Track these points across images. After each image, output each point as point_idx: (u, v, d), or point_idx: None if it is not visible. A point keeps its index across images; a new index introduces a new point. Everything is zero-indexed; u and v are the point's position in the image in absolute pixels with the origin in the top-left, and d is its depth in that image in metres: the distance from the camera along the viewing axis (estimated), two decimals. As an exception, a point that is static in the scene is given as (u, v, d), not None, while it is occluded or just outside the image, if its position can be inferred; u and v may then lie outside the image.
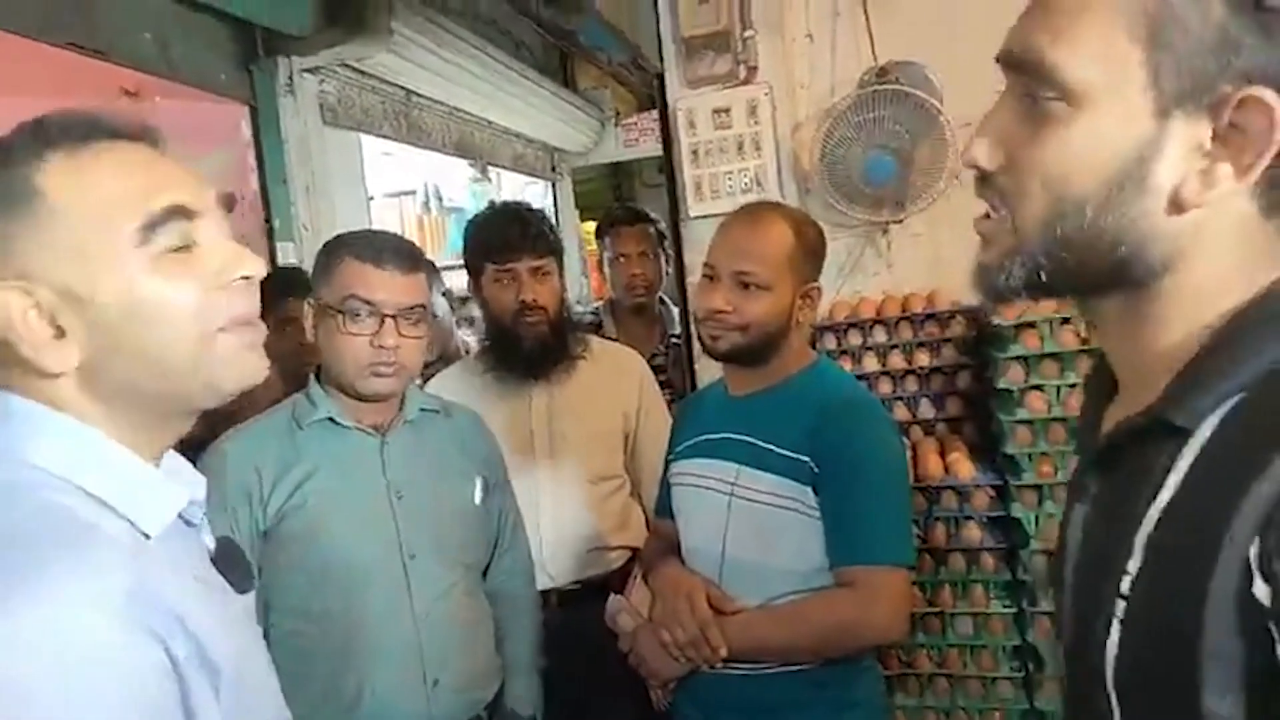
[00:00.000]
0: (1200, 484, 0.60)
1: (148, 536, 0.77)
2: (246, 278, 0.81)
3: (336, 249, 1.56)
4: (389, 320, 1.49)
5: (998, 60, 0.69)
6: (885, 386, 2.35)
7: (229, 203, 0.81)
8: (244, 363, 0.82)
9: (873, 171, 2.39)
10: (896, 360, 2.35)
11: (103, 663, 0.66)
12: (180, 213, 0.78)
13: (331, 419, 1.55)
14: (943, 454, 2.23)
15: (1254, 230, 0.62)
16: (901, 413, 2.35)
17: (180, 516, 0.82)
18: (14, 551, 0.68)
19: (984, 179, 0.68)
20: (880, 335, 2.36)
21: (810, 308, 1.57)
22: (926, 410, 2.35)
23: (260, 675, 0.85)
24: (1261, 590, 0.54)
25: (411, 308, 1.52)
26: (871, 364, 2.36)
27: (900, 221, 2.46)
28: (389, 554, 1.53)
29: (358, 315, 1.49)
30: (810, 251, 1.56)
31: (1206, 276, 0.63)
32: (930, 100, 2.32)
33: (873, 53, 2.44)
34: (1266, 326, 0.61)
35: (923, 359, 2.33)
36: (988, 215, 0.70)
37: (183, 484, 0.84)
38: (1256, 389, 0.59)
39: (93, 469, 0.76)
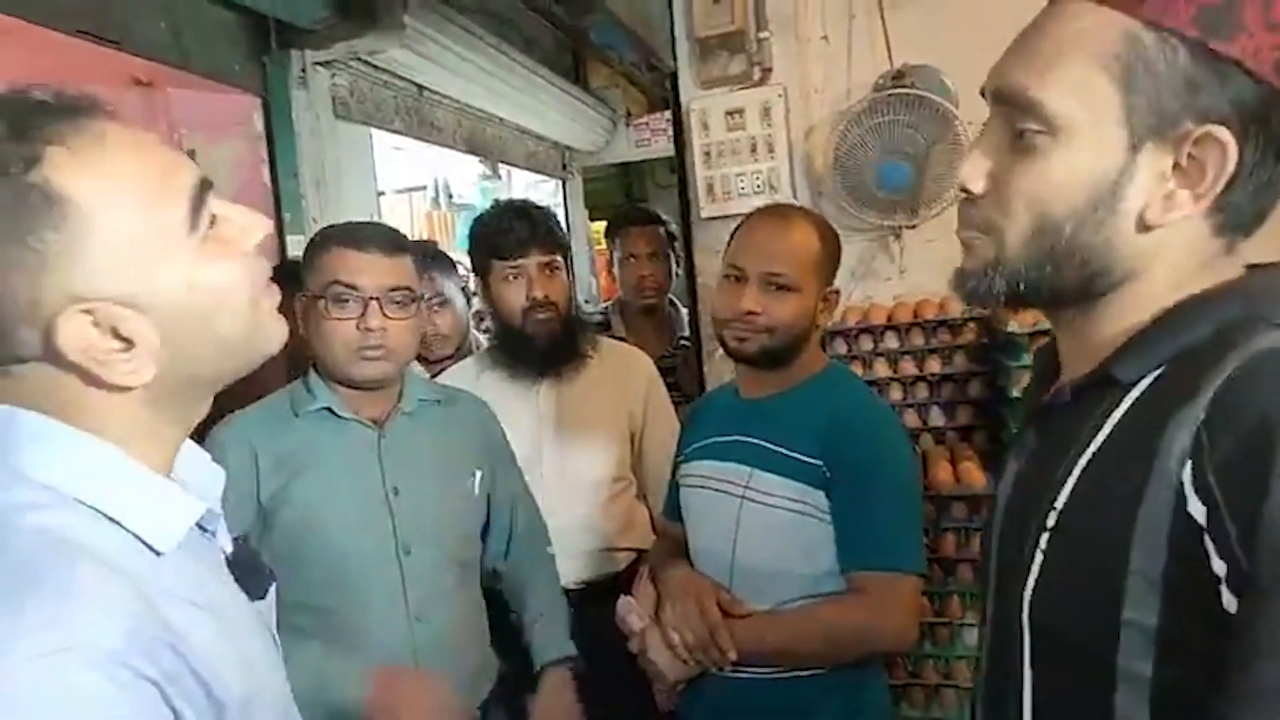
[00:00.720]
0: (1131, 425, 0.68)
1: (158, 553, 0.72)
2: (261, 237, 0.80)
3: (321, 240, 1.57)
4: (373, 303, 1.49)
5: (984, 93, 0.75)
6: (896, 393, 2.33)
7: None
8: (278, 323, 0.81)
9: (887, 176, 2.37)
10: (908, 366, 2.33)
11: (91, 716, 0.61)
12: (207, 187, 0.74)
13: (329, 409, 1.54)
14: (953, 462, 2.21)
15: (1204, 245, 0.70)
16: (912, 420, 2.33)
17: (197, 525, 0.78)
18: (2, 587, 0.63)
19: (970, 201, 0.75)
20: (892, 341, 2.35)
21: (829, 311, 1.58)
22: (937, 418, 2.34)
23: (270, 698, 0.80)
24: (1197, 509, 0.60)
25: (395, 289, 1.51)
26: (882, 370, 2.34)
27: (914, 227, 2.44)
28: (384, 550, 1.52)
29: (342, 300, 1.49)
30: (831, 255, 1.56)
31: (1161, 283, 0.71)
32: (946, 105, 2.31)
33: (889, 56, 2.42)
34: (1205, 307, 0.69)
35: (934, 366, 2.31)
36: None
37: (199, 490, 0.80)
38: (1188, 349, 0.67)
39: (100, 484, 0.71)
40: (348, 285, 1.49)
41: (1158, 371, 0.68)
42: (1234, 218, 0.69)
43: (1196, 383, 0.63)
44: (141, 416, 0.74)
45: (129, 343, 0.70)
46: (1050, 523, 0.71)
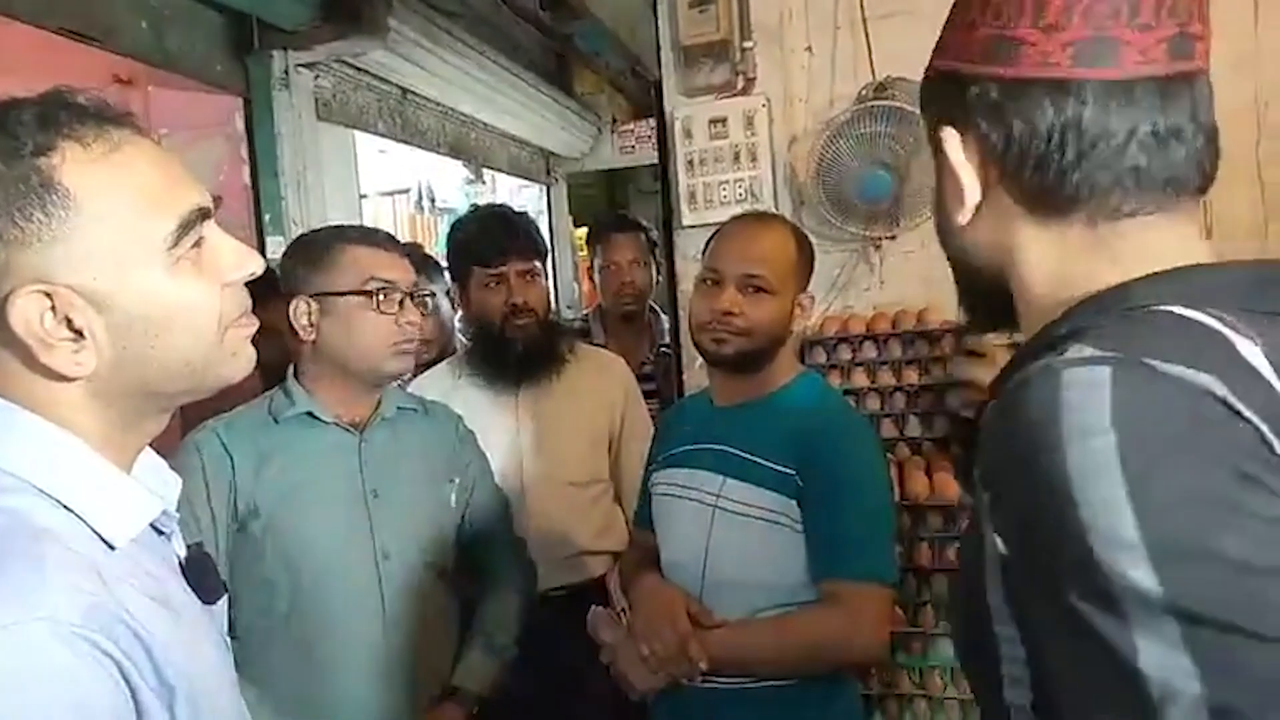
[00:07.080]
0: None
1: (112, 547, 0.74)
2: (252, 274, 0.82)
3: (331, 241, 1.57)
4: (407, 299, 1.55)
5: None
6: (873, 403, 2.34)
7: (217, 203, 0.84)
8: (245, 354, 0.83)
9: (868, 187, 2.38)
10: (885, 377, 2.34)
11: (55, 685, 0.64)
12: (204, 215, 0.78)
13: (310, 414, 1.54)
14: (929, 473, 2.21)
15: (1022, 219, 0.80)
16: (889, 430, 2.34)
17: (151, 526, 0.80)
18: None
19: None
20: (870, 351, 2.36)
21: (803, 317, 1.59)
22: (914, 428, 2.34)
23: (221, 696, 0.81)
24: None
25: (417, 285, 1.59)
26: (860, 380, 2.35)
27: (894, 238, 2.45)
28: (361, 552, 1.52)
29: (385, 296, 1.52)
30: (806, 260, 1.58)
31: (1021, 260, 0.80)
32: (927, 118, 2.32)
33: (871, 68, 2.43)
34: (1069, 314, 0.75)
35: (911, 376, 2.32)
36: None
37: (156, 492, 0.82)
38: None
39: (61, 474, 0.73)
40: (387, 281, 1.52)
41: None
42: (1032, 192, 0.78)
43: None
44: (91, 411, 0.76)
45: (79, 334, 0.73)
46: None
